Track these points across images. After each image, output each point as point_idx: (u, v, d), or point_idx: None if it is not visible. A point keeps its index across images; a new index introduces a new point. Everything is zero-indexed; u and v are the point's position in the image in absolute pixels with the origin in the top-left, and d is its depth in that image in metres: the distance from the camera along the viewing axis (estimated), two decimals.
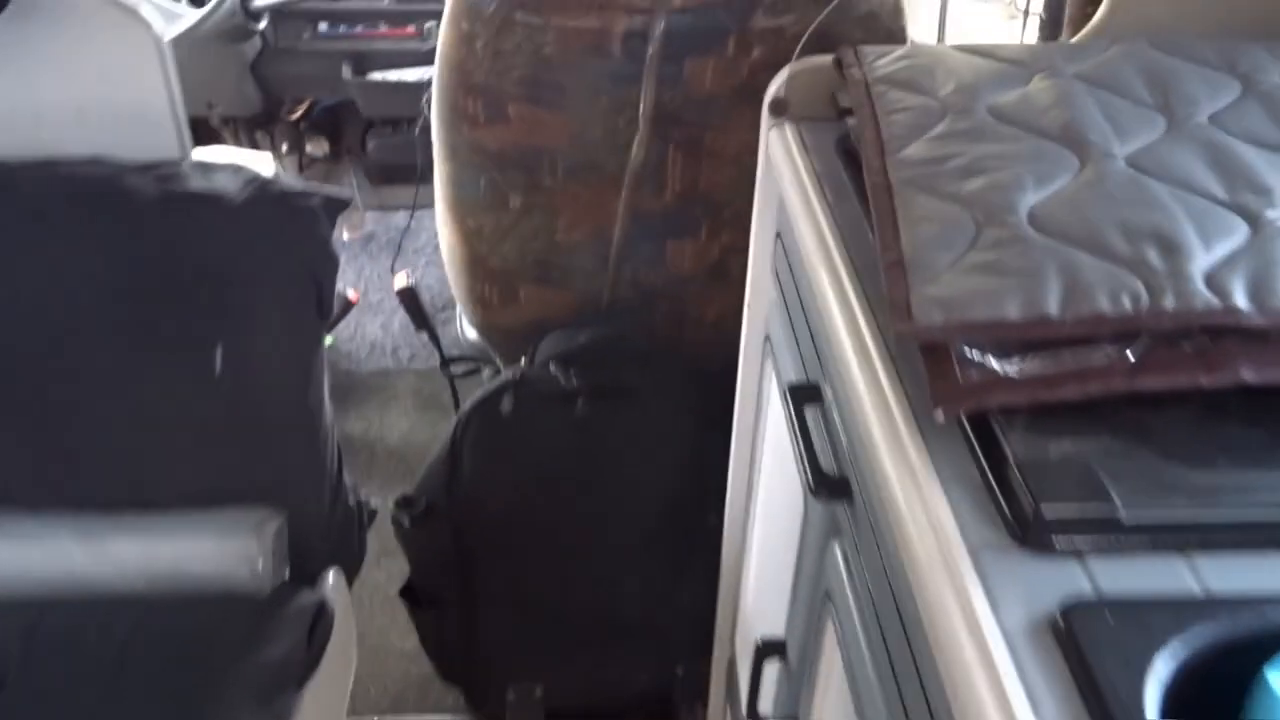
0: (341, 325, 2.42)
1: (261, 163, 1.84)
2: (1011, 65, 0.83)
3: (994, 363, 0.55)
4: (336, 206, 1.03)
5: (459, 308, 1.51)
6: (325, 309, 1.06)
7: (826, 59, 0.97)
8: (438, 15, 2.20)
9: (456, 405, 1.78)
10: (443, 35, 1.16)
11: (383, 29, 2.12)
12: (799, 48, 1.03)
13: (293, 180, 1.03)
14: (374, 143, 2.48)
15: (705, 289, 1.40)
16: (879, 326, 0.66)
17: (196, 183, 0.97)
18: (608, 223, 1.32)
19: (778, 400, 1.01)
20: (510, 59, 1.12)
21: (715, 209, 1.29)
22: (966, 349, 0.56)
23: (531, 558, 1.42)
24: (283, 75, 2.19)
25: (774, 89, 0.98)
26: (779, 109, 0.99)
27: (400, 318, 2.45)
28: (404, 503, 1.46)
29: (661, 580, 1.42)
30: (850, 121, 0.89)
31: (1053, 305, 0.55)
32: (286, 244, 0.98)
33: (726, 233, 1.32)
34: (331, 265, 1.05)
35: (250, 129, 2.48)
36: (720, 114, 1.18)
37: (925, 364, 0.57)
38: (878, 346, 0.64)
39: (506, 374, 1.40)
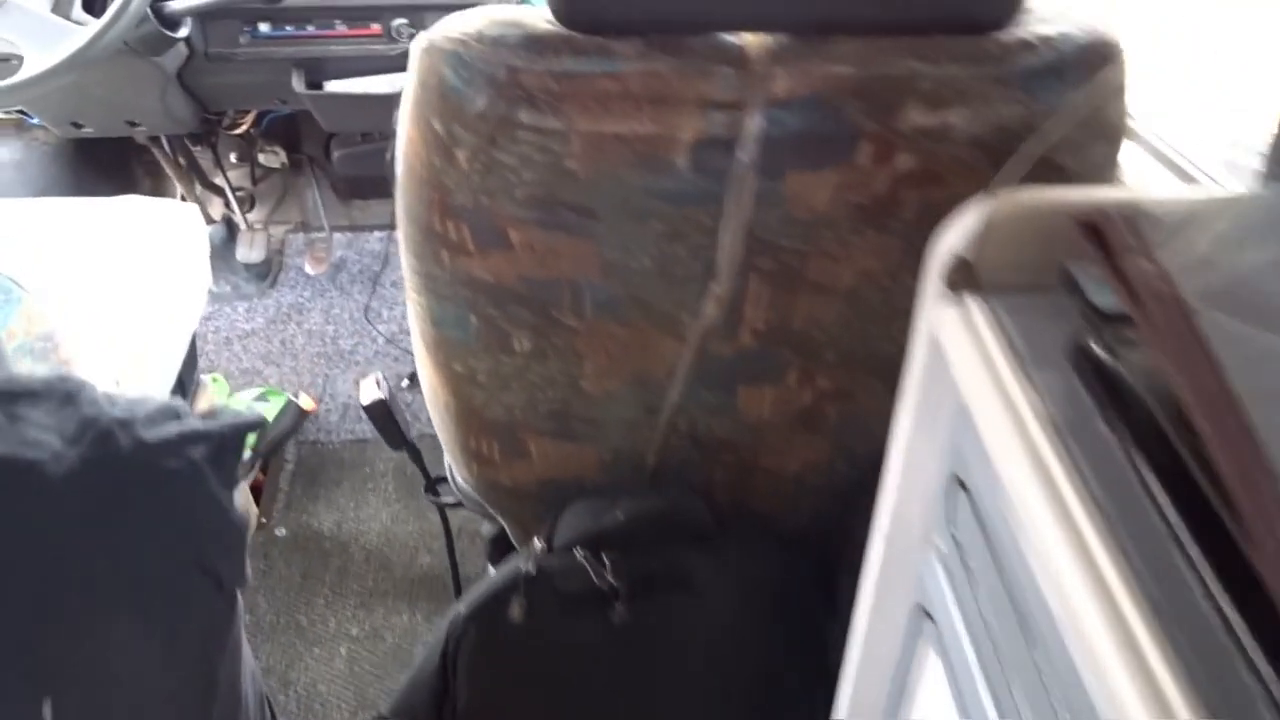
0: (307, 387, 2.02)
1: (187, 219, 1.42)
2: None
3: None
4: (233, 448, 0.63)
5: (446, 455, 1.11)
6: (230, 587, 0.67)
7: (1043, 198, 0.58)
8: (408, 10, 1.77)
9: (450, 548, 1.39)
10: (405, 134, 0.75)
11: (339, 28, 1.67)
12: (999, 175, 0.62)
13: (160, 404, 0.62)
14: (340, 153, 2.05)
15: (787, 439, 1.00)
16: None
17: None
18: (656, 368, 0.91)
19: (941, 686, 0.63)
20: (512, 174, 0.71)
21: (812, 351, 0.89)
22: None
23: None
24: (217, 87, 1.75)
25: (951, 244, 0.58)
26: (962, 279, 0.59)
27: (382, 369, 2.03)
28: None
29: None
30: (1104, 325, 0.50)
31: None
32: (150, 531, 0.59)
33: (826, 377, 0.93)
34: (233, 539, 0.65)
35: (184, 144, 2.05)
36: (835, 239, 0.77)
37: None
38: None
39: (514, 563, 1.01)
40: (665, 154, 0.69)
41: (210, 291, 1.48)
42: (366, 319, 2.11)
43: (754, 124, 0.67)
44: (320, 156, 2.19)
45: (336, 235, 2.24)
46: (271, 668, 1.58)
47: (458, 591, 1.43)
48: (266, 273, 2.19)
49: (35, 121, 1.82)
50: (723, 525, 1.03)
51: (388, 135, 1.80)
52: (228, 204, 2.21)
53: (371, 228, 2.26)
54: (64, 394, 0.60)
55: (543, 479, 1.05)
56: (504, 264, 0.80)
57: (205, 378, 1.59)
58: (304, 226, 2.28)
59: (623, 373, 0.92)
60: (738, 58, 0.67)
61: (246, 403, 1.87)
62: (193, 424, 0.61)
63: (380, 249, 2.25)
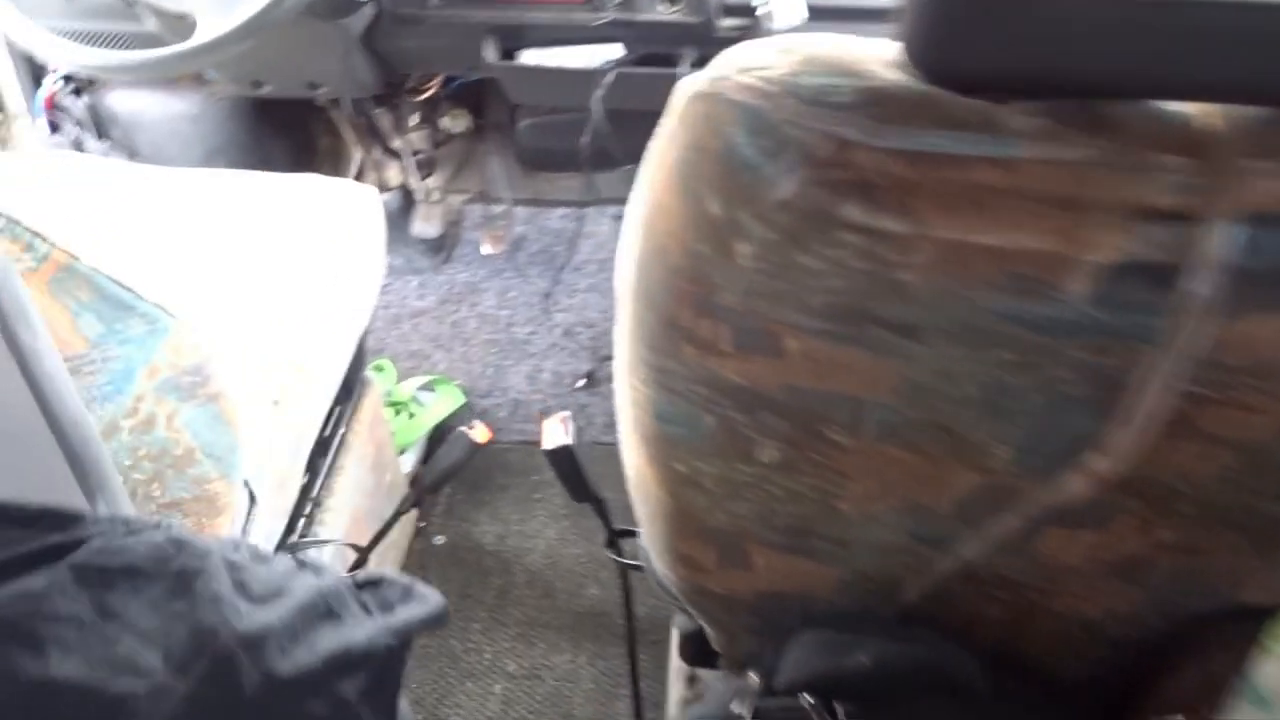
0: (477, 377, 1.87)
1: (366, 203, 1.27)
2: None
3: None
4: (398, 668, 0.44)
5: (645, 546, 0.92)
6: None
7: None
8: None
9: (629, 613, 1.21)
10: (657, 200, 0.54)
11: None
12: None
13: (311, 593, 0.43)
14: (526, 122, 1.88)
15: (1091, 584, 0.77)
16: None
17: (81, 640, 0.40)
18: (940, 498, 0.69)
19: None
20: (813, 279, 0.49)
21: (1164, 501, 0.66)
22: None
23: None
24: (404, 51, 1.59)
25: None
26: None
27: (557, 364, 1.87)
28: None
29: None
30: None
31: None
32: None
33: (1171, 529, 0.69)
34: None
35: (365, 106, 1.91)
36: (1262, 389, 0.52)
37: None
38: None
39: (722, 698, 0.82)
40: (1054, 277, 0.46)
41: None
42: (545, 308, 1.94)
43: (1214, 243, 0.43)
44: (506, 124, 2.03)
45: (518, 210, 2.07)
46: (422, 699, 1.44)
47: (633, 667, 1.25)
48: (441, 247, 2.04)
49: (214, 75, 1.70)
50: (990, 678, 0.80)
51: (582, 111, 1.61)
52: (406, 170, 2.07)
53: (556, 204, 2.08)
54: (177, 575, 0.42)
55: (764, 592, 0.84)
56: (767, 371, 0.59)
57: (370, 373, 1.45)
58: (483, 197, 2.12)
59: (895, 498, 0.70)
60: (1193, 142, 0.43)
61: (411, 393, 1.74)
62: (349, 636, 0.43)
63: (564, 228, 2.06)
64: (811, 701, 0.78)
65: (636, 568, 1.15)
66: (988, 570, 0.77)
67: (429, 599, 0.48)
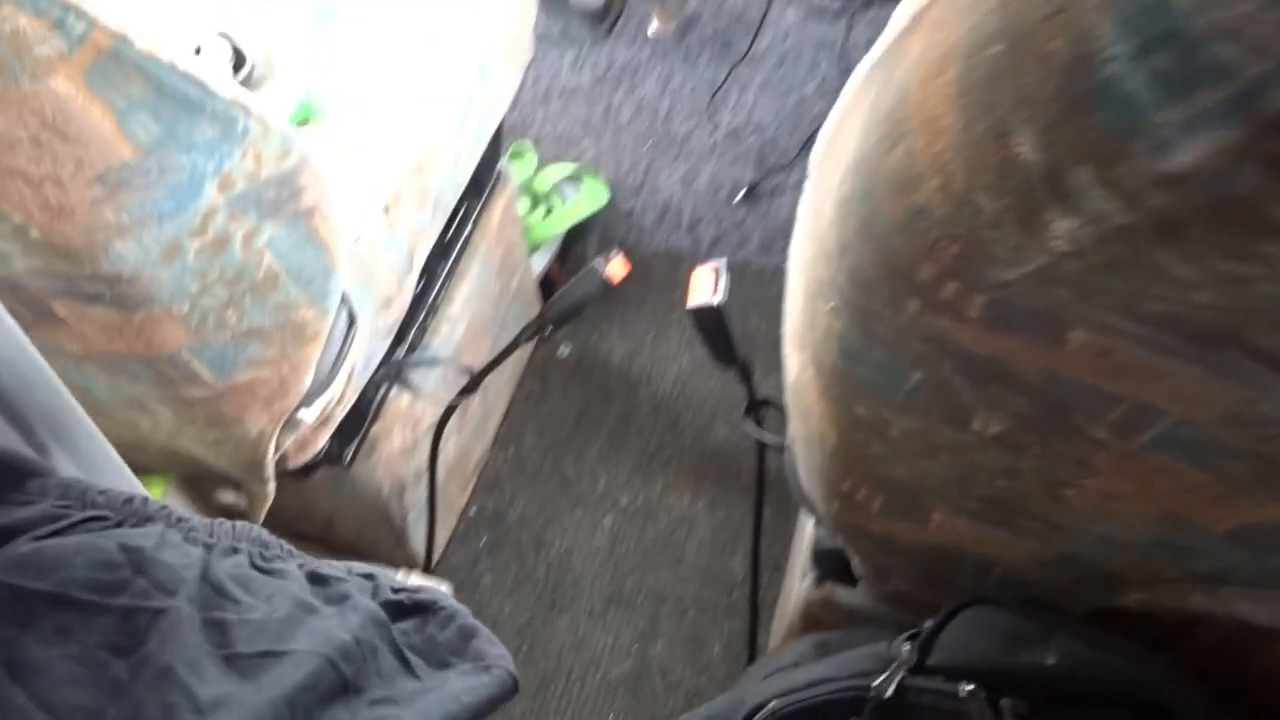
0: (625, 173, 1.68)
1: None
2: None
3: None
4: None
5: (793, 456, 0.76)
6: None
7: None
8: None
9: (760, 483, 1.07)
10: (911, 98, 0.34)
11: None
12: None
13: None
14: None
15: None
16: None
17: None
18: (1213, 516, 0.51)
19: None
20: (1174, 289, 0.29)
21: None
22: None
23: None
24: None
25: None
26: None
27: (716, 170, 1.67)
28: None
29: None
30: None
31: None
32: None
33: None
34: None
35: None
36: None
37: None
38: None
39: (862, 657, 0.68)
40: None
41: (535, 33, 1.13)
42: (711, 103, 1.71)
43: None
44: None
45: None
46: (526, 518, 1.36)
47: (755, 554, 1.12)
48: (604, 17, 1.81)
49: None
50: (1212, 714, 0.64)
51: None
52: None
53: None
54: (124, 615, 0.29)
55: (937, 545, 0.68)
56: (1027, 353, 0.40)
57: (506, 163, 1.28)
58: None
59: (1153, 505, 0.52)
60: None
61: (552, 184, 1.57)
62: None
63: (745, 10, 1.79)
64: (971, 689, 0.64)
65: (777, 448, 1.01)
66: (1238, 594, 0.59)
67: (493, 657, 0.34)
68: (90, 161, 0.56)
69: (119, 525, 0.32)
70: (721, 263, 0.91)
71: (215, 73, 0.62)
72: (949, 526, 0.65)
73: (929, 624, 0.67)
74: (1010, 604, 0.66)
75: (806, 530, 1.08)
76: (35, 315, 0.67)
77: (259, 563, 0.33)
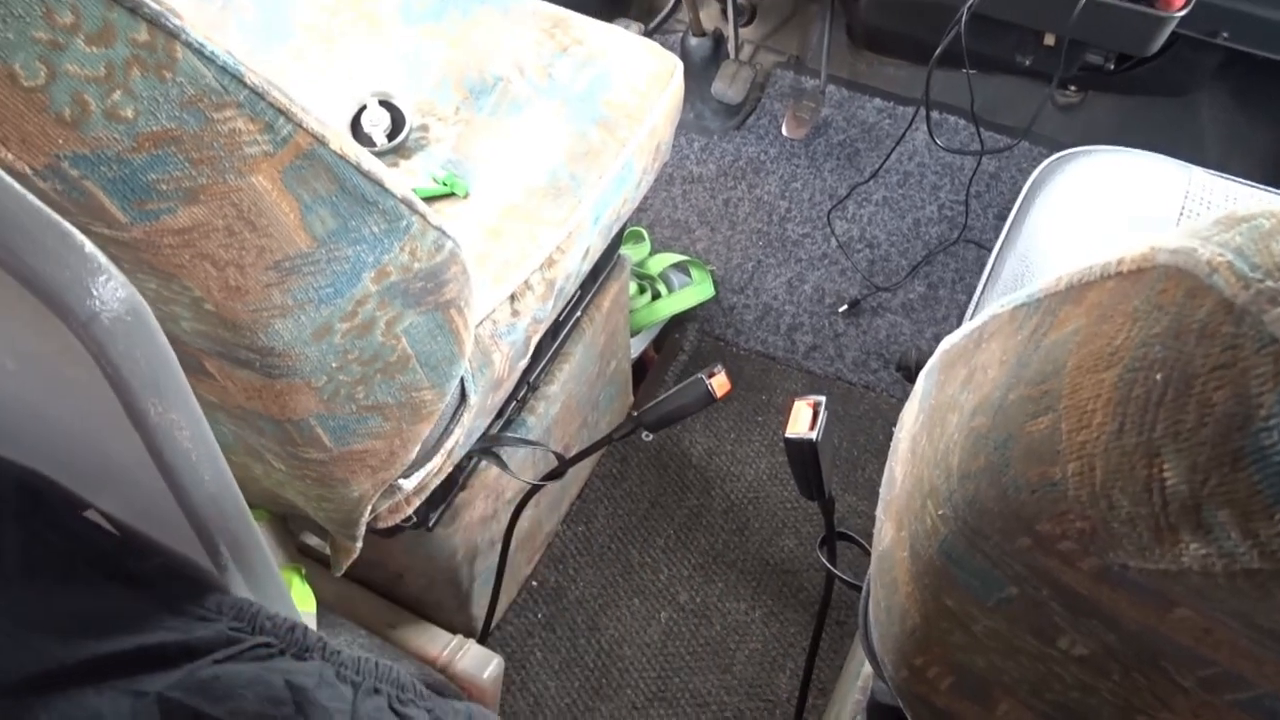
0: (734, 268, 1.71)
1: (667, 67, 1.10)
2: None
3: None
4: None
5: (870, 614, 0.77)
6: None
7: None
8: None
9: (823, 614, 1.08)
10: (1065, 382, 0.35)
11: None
12: None
13: None
14: None
15: None
16: None
17: None
18: None
19: None
20: None
21: None
22: None
23: None
24: None
25: None
26: None
27: (822, 278, 1.69)
28: None
29: None
30: None
31: None
32: None
33: None
34: None
35: None
36: None
37: None
38: None
39: None
40: None
41: None
42: (828, 211, 1.74)
43: None
44: None
45: (830, 88, 1.84)
46: (585, 599, 1.38)
47: (806, 681, 1.13)
48: (738, 112, 1.85)
49: None
50: None
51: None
52: (724, 11, 1.87)
53: (874, 93, 1.84)
54: None
55: None
56: (1127, 607, 0.41)
57: (623, 251, 1.32)
58: (797, 64, 1.90)
59: None
60: None
61: (662, 270, 1.61)
62: None
63: (877, 124, 1.82)
64: None
65: (848, 584, 1.02)
66: None
67: None
68: (271, 250, 0.61)
69: (283, 653, 0.35)
70: (822, 400, 0.93)
71: (390, 174, 0.66)
72: (1014, 717, 0.65)
73: None
74: None
75: (864, 671, 1.08)
76: (186, 367, 0.72)
77: (396, 705, 0.36)
